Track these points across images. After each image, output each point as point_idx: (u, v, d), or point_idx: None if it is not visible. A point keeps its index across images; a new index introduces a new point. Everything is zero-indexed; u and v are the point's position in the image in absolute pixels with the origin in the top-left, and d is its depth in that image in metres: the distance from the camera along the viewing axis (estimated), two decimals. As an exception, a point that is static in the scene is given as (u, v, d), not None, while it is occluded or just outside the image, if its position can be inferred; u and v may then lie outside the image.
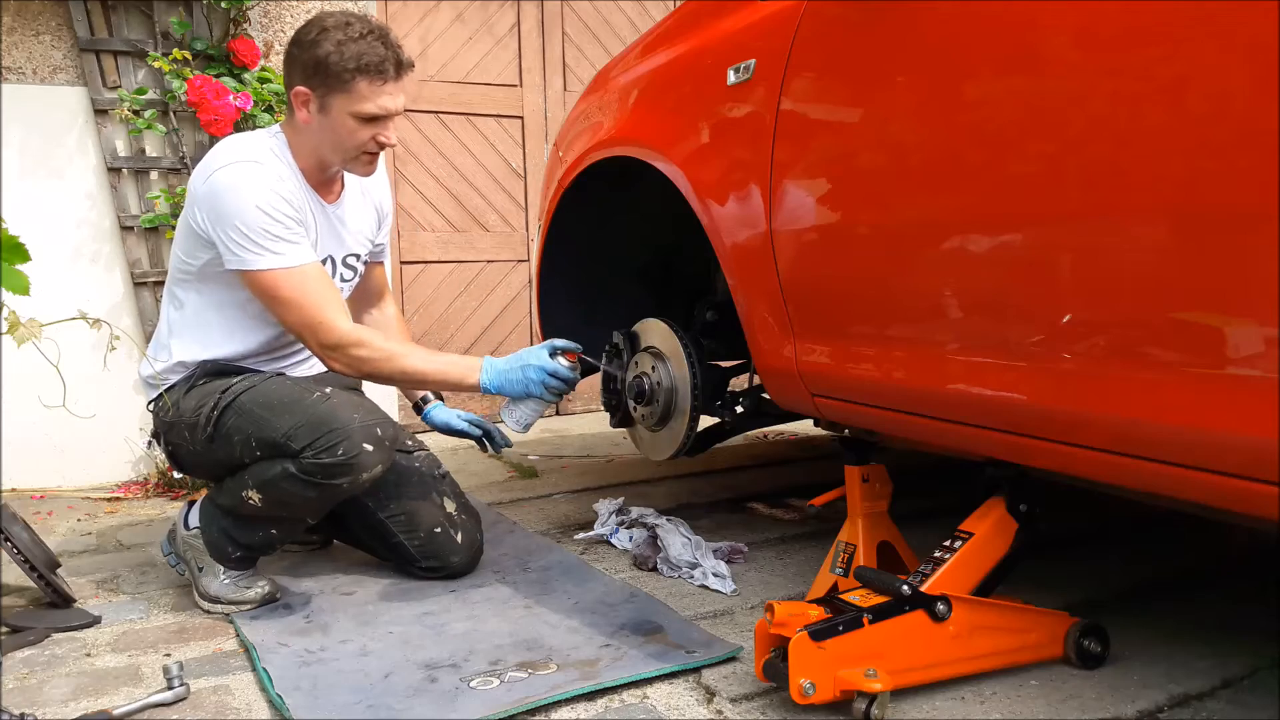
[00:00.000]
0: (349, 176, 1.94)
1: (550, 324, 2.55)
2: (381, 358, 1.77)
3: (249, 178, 1.72)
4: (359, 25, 1.73)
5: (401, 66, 1.76)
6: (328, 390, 1.77)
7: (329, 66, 1.71)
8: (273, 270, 1.71)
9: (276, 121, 2.42)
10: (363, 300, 2.14)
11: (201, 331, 1.84)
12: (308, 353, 1.96)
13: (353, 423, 1.67)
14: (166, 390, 1.84)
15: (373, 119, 1.75)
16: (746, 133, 1.72)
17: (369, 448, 1.68)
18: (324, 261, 1.87)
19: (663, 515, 2.08)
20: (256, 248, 1.71)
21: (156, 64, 2.83)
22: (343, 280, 1.96)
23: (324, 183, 1.88)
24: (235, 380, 1.79)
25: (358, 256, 1.98)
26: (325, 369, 2.01)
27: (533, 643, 1.56)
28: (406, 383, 1.90)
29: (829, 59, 1.58)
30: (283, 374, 1.90)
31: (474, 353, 3.73)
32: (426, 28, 3.57)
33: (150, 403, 1.90)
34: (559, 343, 1.85)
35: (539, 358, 1.81)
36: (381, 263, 2.13)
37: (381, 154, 1.85)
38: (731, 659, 1.47)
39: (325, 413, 1.68)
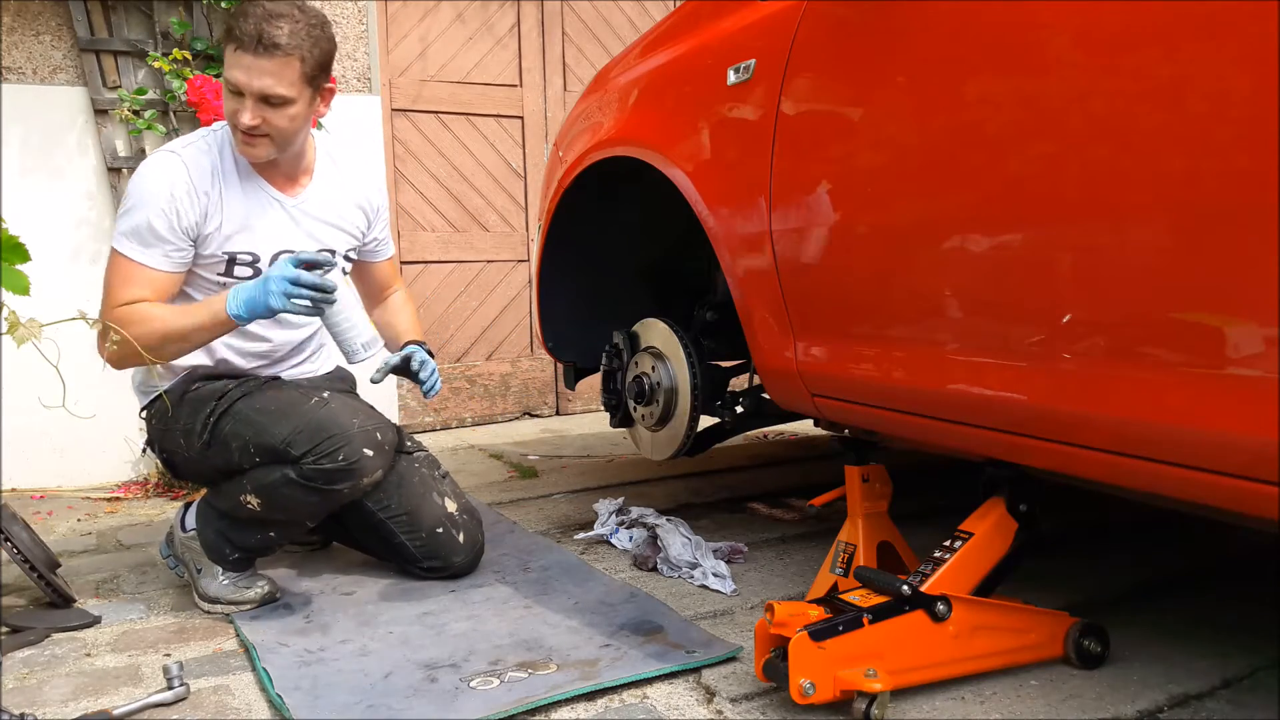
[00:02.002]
0: (325, 170, 1.90)
1: (550, 324, 2.55)
2: (144, 329, 1.67)
3: (157, 168, 1.73)
4: (270, 7, 1.69)
5: (259, 44, 1.65)
6: (325, 395, 1.76)
7: (224, 38, 1.72)
8: (118, 252, 1.73)
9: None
10: (373, 296, 2.13)
11: None
12: (299, 357, 1.95)
13: (352, 428, 1.67)
14: (160, 396, 1.83)
15: (238, 91, 1.69)
16: (746, 132, 1.72)
17: (369, 453, 1.67)
18: (280, 256, 1.81)
19: (663, 515, 2.08)
20: (124, 224, 1.72)
21: (156, 64, 2.83)
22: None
23: (277, 174, 1.83)
24: (230, 386, 1.78)
25: (333, 253, 1.91)
26: (318, 372, 2.01)
27: (533, 643, 1.56)
28: (174, 344, 1.72)
29: (829, 59, 1.58)
30: (277, 378, 1.89)
31: (474, 353, 3.74)
32: (426, 28, 3.57)
33: (143, 410, 1.89)
34: (304, 255, 1.71)
35: (280, 267, 1.66)
36: (386, 259, 2.09)
37: (275, 144, 1.74)
38: (731, 659, 1.47)
39: (325, 418, 1.68)
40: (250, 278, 1.81)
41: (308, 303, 1.67)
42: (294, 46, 1.68)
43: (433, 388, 1.90)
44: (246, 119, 1.68)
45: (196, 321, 1.70)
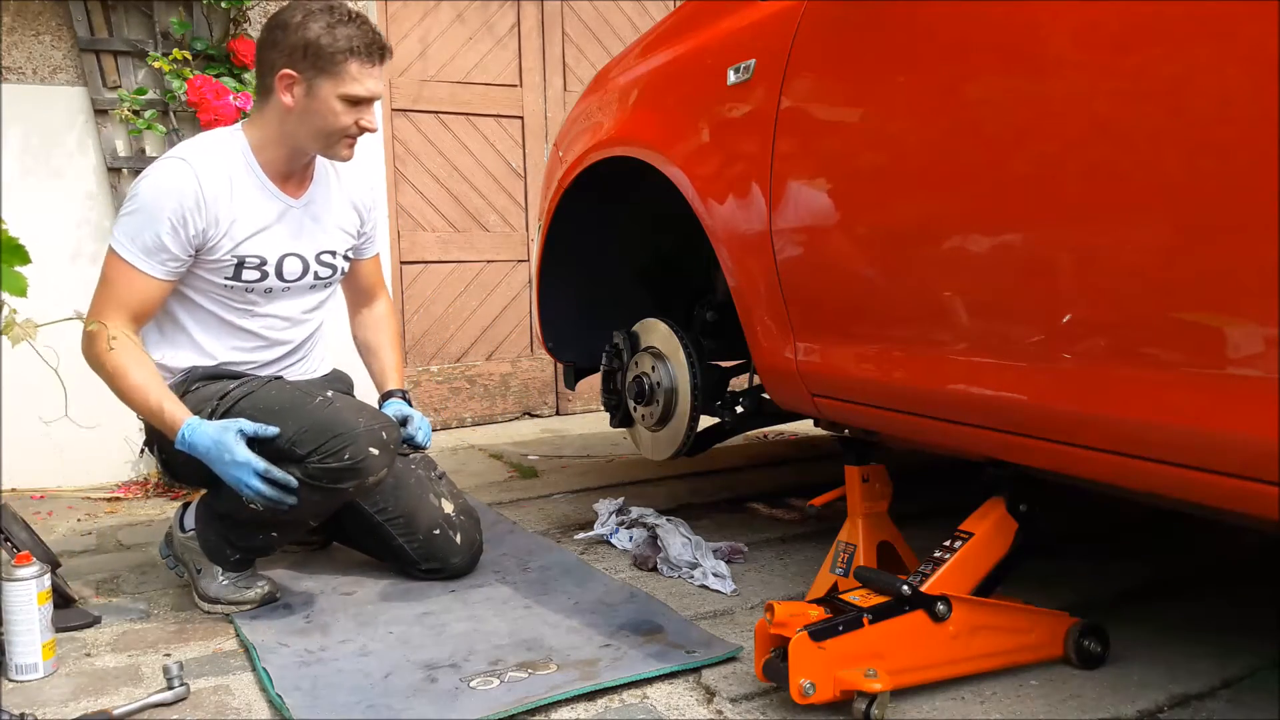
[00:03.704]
0: (322, 172, 1.91)
1: (550, 324, 2.55)
2: (115, 362, 1.67)
3: (168, 175, 1.72)
4: (341, 9, 1.74)
5: (385, 51, 1.77)
6: (329, 394, 1.76)
7: (321, 49, 1.70)
8: (116, 253, 1.73)
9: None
10: (355, 299, 2.13)
11: (183, 337, 1.83)
12: (298, 357, 1.95)
13: (358, 427, 1.67)
14: None
15: (358, 102, 1.74)
16: (746, 132, 1.72)
17: (375, 451, 1.67)
18: (286, 258, 1.83)
19: (663, 515, 2.08)
20: (126, 223, 1.73)
21: (156, 64, 2.83)
22: (317, 278, 1.90)
23: (288, 177, 1.84)
24: (232, 386, 1.78)
25: (334, 254, 1.92)
26: (317, 374, 2.01)
27: (533, 643, 1.56)
28: (118, 391, 1.71)
29: (829, 59, 1.58)
30: (279, 378, 1.89)
31: (474, 353, 3.74)
32: (426, 28, 3.57)
33: None
34: (262, 431, 1.64)
35: (242, 450, 1.61)
36: (371, 258, 2.08)
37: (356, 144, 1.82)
38: (731, 659, 1.47)
39: (329, 418, 1.67)
40: (258, 280, 1.81)
41: (272, 499, 1.63)
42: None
43: (420, 446, 1.92)
44: (375, 123, 1.79)
45: (149, 402, 1.68)
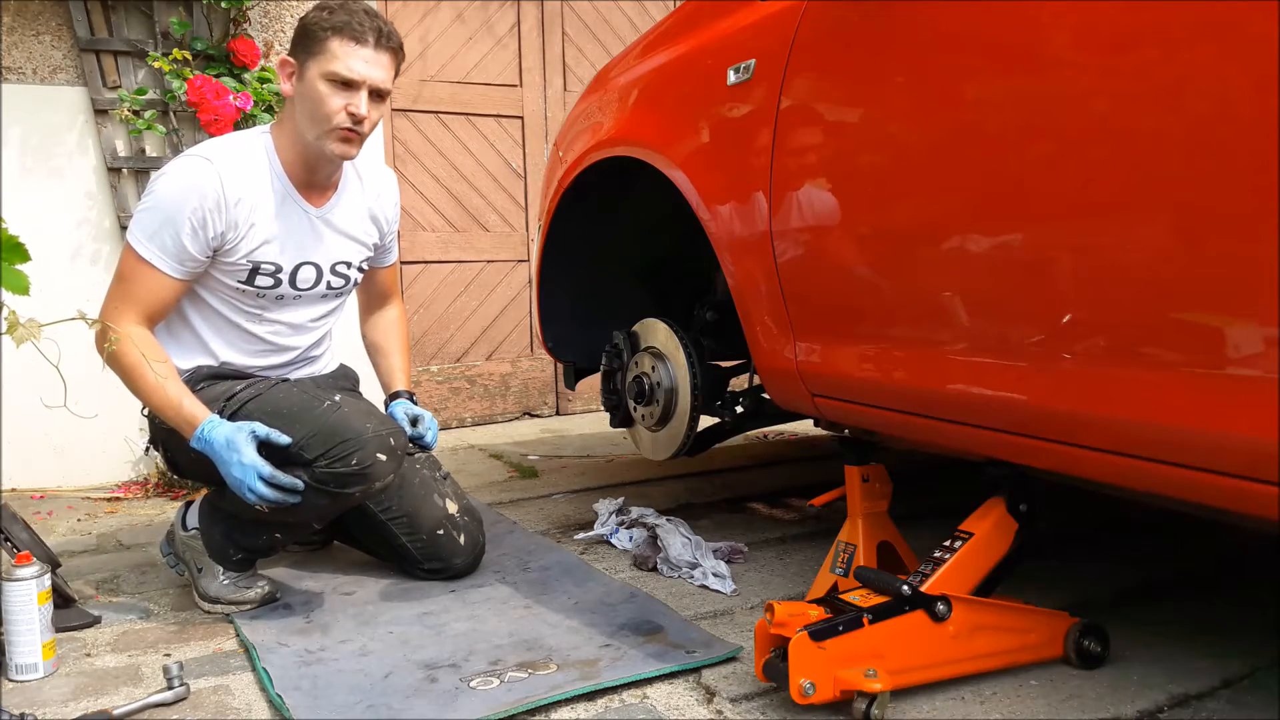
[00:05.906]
0: (348, 182, 1.90)
1: (550, 324, 2.55)
2: (130, 360, 1.65)
3: (190, 174, 1.70)
4: (355, 4, 1.72)
5: (382, 37, 1.70)
6: (337, 398, 1.76)
7: (308, 29, 1.70)
8: (133, 249, 1.71)
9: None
10: (369, 302, 2.13)
11: (190, 335, 1.83)
12: (303, 362, 1.95)
13: (366, 432, 1.66)
14: None
15: (344, 84, 1.68)
16: (746, 133, 1.72)
17: (382, 457, 1.67)
18: (301, 267, 1.82)
19: (663, 515, 2.08)
20: (144, 219, 1.70)
21: (156, 64, 2.83)
22: (329, 288, 1.89)
23: (312, 184, 1.82)
24: (239, 387, 1.78)
25: (349, 265, 1.92)
26: (323, 373, 2.01)
27: (533, 643, 1.56)
28: (136, 391, 1.70)
29: (829, 59, 1.58)
30: (286, 379, 1.89)
31: (474, 353, 3.74)
32: (426, 28, 3.57)
33: (145, 409, 1.88)
34: (274, 437, 1.64)
35: (251, 453, 1.61)
36: (388, 266, 2.08)
37: (363, 142, 1.76)
38: (731, 659, 1.47)
39: (337, 422, 1.67)
40: (271, 287, 1.81)
41: (274, 502, 1.62)
42: (400, 45, 1.76)
43: (428, 446, 1.93)
44: (363, 109, 1.70)
45: (168, 398, 1.67)
